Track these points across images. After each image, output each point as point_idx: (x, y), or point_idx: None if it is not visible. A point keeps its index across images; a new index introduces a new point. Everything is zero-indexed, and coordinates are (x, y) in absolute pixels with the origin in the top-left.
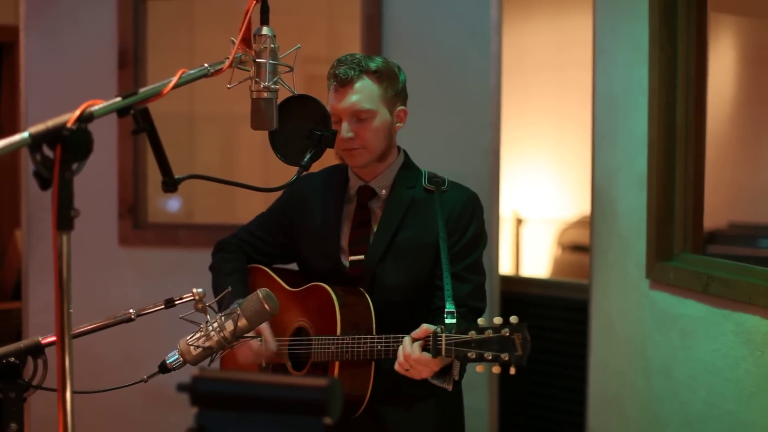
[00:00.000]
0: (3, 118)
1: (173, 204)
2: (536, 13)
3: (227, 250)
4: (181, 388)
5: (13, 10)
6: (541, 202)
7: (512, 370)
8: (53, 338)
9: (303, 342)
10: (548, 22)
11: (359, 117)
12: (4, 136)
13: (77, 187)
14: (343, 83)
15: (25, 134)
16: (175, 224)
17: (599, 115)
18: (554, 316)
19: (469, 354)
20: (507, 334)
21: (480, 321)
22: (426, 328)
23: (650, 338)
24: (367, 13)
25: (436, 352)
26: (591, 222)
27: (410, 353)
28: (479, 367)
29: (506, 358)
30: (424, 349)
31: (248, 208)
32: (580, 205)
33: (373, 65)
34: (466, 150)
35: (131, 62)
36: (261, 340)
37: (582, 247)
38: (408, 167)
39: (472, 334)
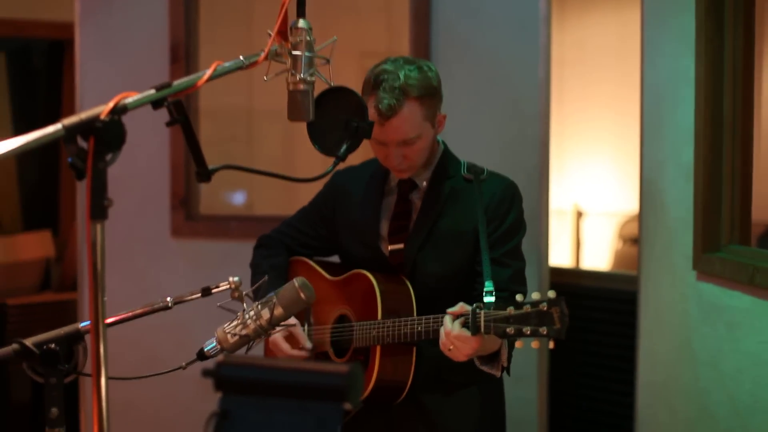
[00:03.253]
0: (65, 114)
1: (238, 197)
2: (595, 5)
3: (268, 245)
4: (206, 373)
5: (71, 8)
6: (601, 195)
7: (551, 344)
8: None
9: (344, 329)
10: (608, 13)
11: (406, 143)
12: None
13: (130, 180)
14: (387, 117)
15: (58, 126)
16: (227, 216)
17: (647, 107)
18: (605, 307)
19: (507, 329)
20: (545, 308)
21: (518, 297)
22: (463, 305)
23: (697, 330)
24: (415, 8)
25: (475, 329)
26: (640, 214)
27: (450, 330)
28: (518, 343)
29: (545, 332)
30: (463, 326)
31: (309, 201)
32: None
33: (415, 91)
34: (515, 142)
35: (183, 57)
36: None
37: None
38: (447, 158)
39: (510, 310)
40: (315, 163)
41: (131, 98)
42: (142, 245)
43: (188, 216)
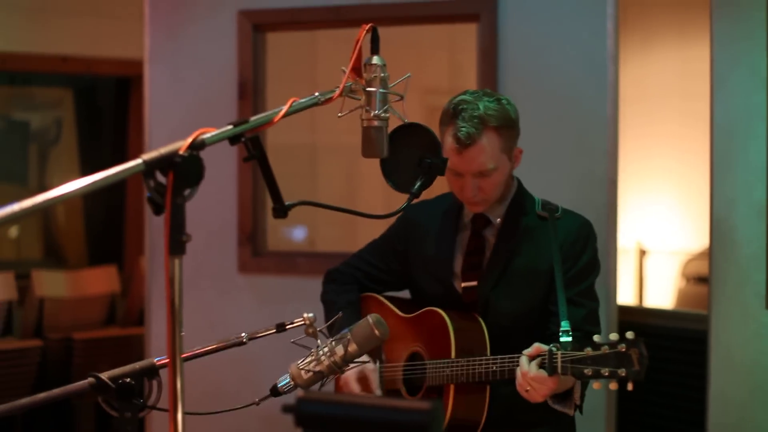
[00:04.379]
0: (131, 150)
1: (299, 233)
2: (657, 44)
3: (339, 281)
4: (287, 409)
5: (140, 45)
6: (664, 233)
7: (630, 386)
8: (166, 359)
9: (417, 367)
10: (669, 51)
11: (483, 174)
12: None
13: (198, 215)
14: (465, 145)
15: (138, 161)
16: (294, 252)
17: (717, 144)
18: (673, 346)
19: (585, 371)
20: (623, 349)
21: (596, 338)
22: (538, 346)
23: None
24: (482, 45)
25: (551, 370)
26: (710, 252)
27: (527, 371)
28: (596, 384)
29: (623, 374)
30: (540, 367)
31: (370, 237)
32: (704, 237)
33: (494, 122)
34: (583, 180)
35: (251, 93)
36: (375, 366)
37: (707, 279)
38: (522, 195)
39: (588, 351)
40: (376, 198)
41: (209, 134)
42: (209, 281)
43: (255, 252)
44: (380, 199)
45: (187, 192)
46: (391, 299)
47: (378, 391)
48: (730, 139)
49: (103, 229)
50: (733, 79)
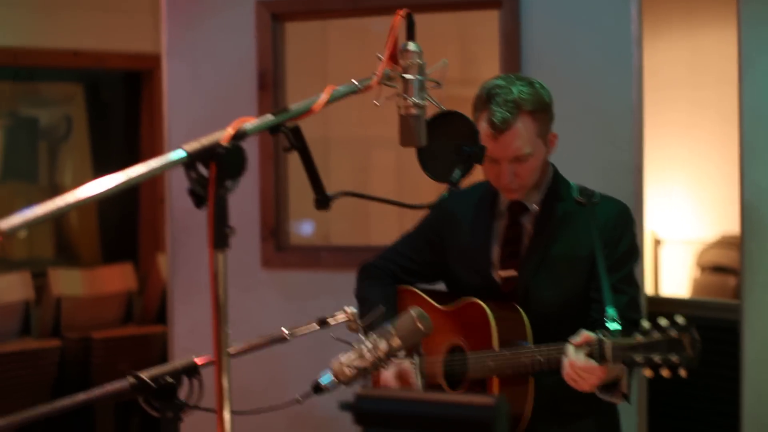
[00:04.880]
0: (144, 145)
1: (306, 228)
2: (668, 31)
3: (373, 275)
4: (345, 407)
5: (151, 39)
6: (678, 222)
7: (683, 373)
8: (208, 358)
9: (458, 360)
10: (681, 39)
11: (519, 160)
12: (145, 161)
13: None
14: (501, 130)
15: (181, 152)
16: (317, 246)
17: (747, 130)
18: (703, 337)
19: (636, 358)
20: (675, 335)
21: (645, 324)
22: (586, 334)
23: None
24: (504, 32)
25: (601, 359)
26: (741, 241)
27: (575, 361)
28: (647, 372)
29: (676, 361)
30: (589, 356)
31: (382, 231)
32: (719, 225)
33: (528, 105)
34: (608, 168)
35: (271, 85)
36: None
37: (723, 268)
38: (558, 181)
39: (638, 338)
40: (389, 191)
41: (250, 123)
42: (232, 276)
43: (278, 247)
44: (392, 192)
45: (229, 183)
46: (427, 291)
47: (419, 387)
48: (760, 124)
49: (117, 226)
50: (762, 62)
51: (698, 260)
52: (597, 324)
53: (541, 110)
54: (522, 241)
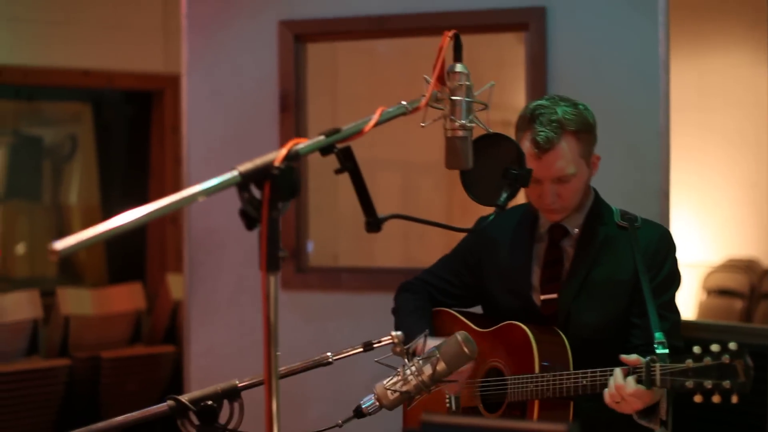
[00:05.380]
0: (153, 165)
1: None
2: (705, 51)
3: (412, 290)
4: None
5: (162, 59)
6: (683, 246)
7: (734, 399)
8: (249, 381)
9: (496, 383)
10: (687, 65)
11: (561, 180)
12: (154, 182)
13: (238, 231)
14: (544, 150)
15: (234, 173)
16: (337, 268)
17: None
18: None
19: (686, 383)
20: (728, 360)
21: (695, 349)
22: (637, 357)
23: None
24: (531, 55)
25: (650, 383)
26: None
27: (623, 385)
28: (698, 397)
29: (728, 386)
30: (638, 382)
31: (385, 253)
32: (726, 249)
33: (572, 126)
34: (635, 191)
35: (292, 106)
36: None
37: (728, 292)
38: (599, 204)
39: (689, 363)
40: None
41: (303, 144)
42: (251, 297)
43: (298, 268)
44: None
45: (281, 205)
46: (464, 313)
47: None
48: None
49: (124, 245)
50: None
51: (704, 284)
52: (637, 350)
53: (585, 131)
54: (563, 264)
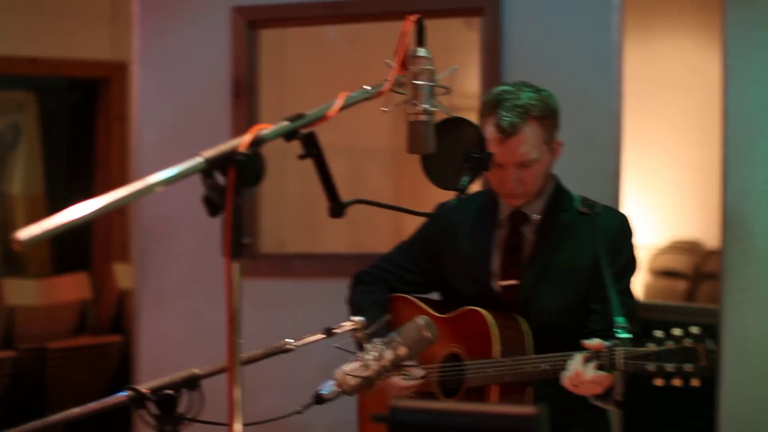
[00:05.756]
0: (99, 154)
1: None
2: (656, 36)
3: (366, 281)
4: (378, 419)
5: (110, 46)
6: None
7: (696, 382)
8: (209, 370)
9: (455, 368)
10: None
11: (524, 165)
12: (100, 171)
13: (188, 219)
14: (508, 135)
15: (199, 159)
16: (289, 255)
17: (731, 135)
18: None
19: (648, 367)
20: (689, 344)
21: (657, 333)
22: (599, 341)
23: None
24: (486, 40)
25: (611, 367)
26: (722, 245)
27: (582, 371)
28: (659, 381)
29: (690, 370)
30: (600, 367)
31: (331, 238)
32: (670, 231)
33: (536, 111)
34: (588, 174)
35: (245, 92)
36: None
37: (673, 273)
38: (560, 191)
39: (651, 347)
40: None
41: (267, 130)
42: (201, 286)
43: (250, 255)
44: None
45: (245, 191)
46: (423, 300)
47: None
48: (744, 129)
49: (68, 236)
50: (750, 70)
51: (649, 265)
52: (595, 335)
53: (549, 117)
54: (523, 251)
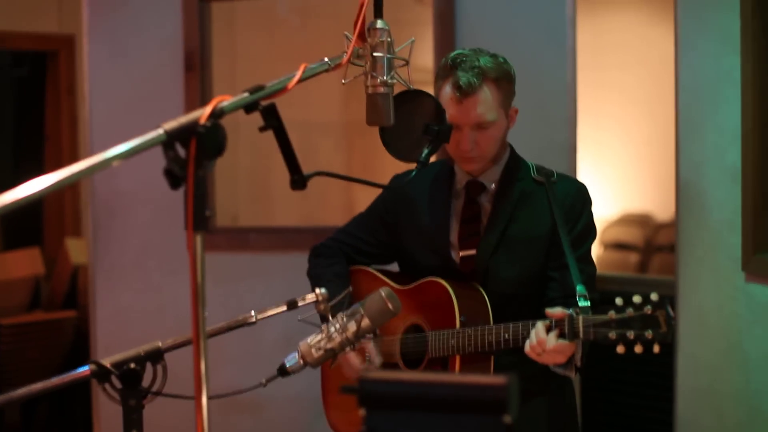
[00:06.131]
0: (48, 128)
1: None
2: (608, 9)
3: (326, 254)
4: (347, 389)
5: (55, 19)
6: None
7: (656, 349)
8: (172, 343)
9: (417, 339)
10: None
11: (480, 127)
12: (50, 146)
13: (143, 193)
14: (465, 94)
15: (159, 131)
16: (245, 228)
17: (683, 108)
18: None
19: (609, 335)
20: (650, 311)
21: (617, 300)
22: (562, 310)
23: (748, 332)
24: (439, 12)
25: (572, 335)
26: (676, 217)
27: (545, 339)
28: (620, 348)
29: (650, 337)
30: (560, 336)
31: (286, 211)
32: (621, 204)
33: (493, 73)
34: (543, 147)
35: (198, 65)
36: (367, 357)
37: (625, 245)
38: (515, 160)
39: (611, 314)
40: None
41: (227, 102)
42: (157, 260)
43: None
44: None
45: (207, 163)
46: (383, 272)
47: (378, 360)
48: (698, 103)
49: (19, 210)
50: (700, 42)
51: (601, 238)
52: (554, 302)
53: (506, 80)
54: (481, 220)
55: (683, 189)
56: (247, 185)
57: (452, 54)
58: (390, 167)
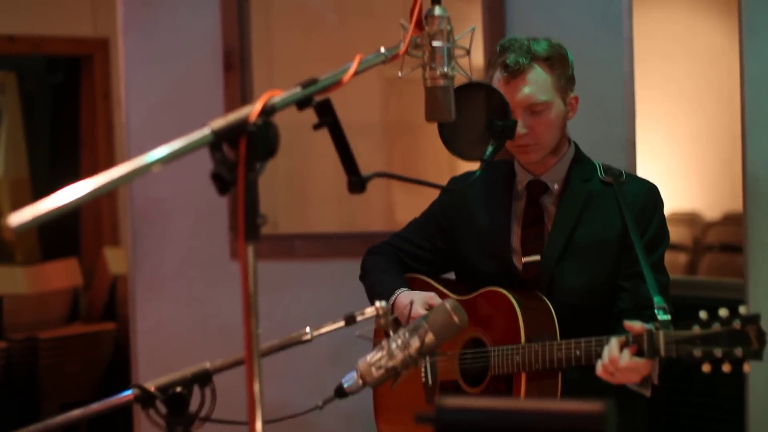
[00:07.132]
0: (84, 134)
1: None
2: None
3: (381, 253)
4: (422, 419)
5: (89, 22)
6: None
7: (747, 368)
8: (221, 363)
9: (478, 354)
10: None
11: (533, 110)
12: (86, 151)
13: (184, 200)
14: (514, 74)
15: (206, 131)
16: (290, 235)
17: (751, 101)
18: None
19: (694, 352)
20: (739, 326)
21: (702, 314)
22: (641, 324)
23: None
24: (488, 4)
25: (652, 353)
26: (744, 215)
27: (617, 357)
28: (706, 366)
29: (740, 354)
30: (638, 353)
31: (322, 217)
32: (667, 202)
33: (543, 51)
34: (600, 142)
35: (237, 64)
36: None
37: (672, 246)
38: (580, 159)
39: (696, 329)
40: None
41: (278, 97)
42: (199, 269)
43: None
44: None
45: (258, 166)
46: (439, 280)
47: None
48: (766, 93)
49: (56, 220)
50: (765, 29)
51: None
52: (624, 314)
53: (560, 62)
54: (544, 224)
55: (752, 186)
56: (284, 189)
57: (503, 40)
58: (432, 169)
